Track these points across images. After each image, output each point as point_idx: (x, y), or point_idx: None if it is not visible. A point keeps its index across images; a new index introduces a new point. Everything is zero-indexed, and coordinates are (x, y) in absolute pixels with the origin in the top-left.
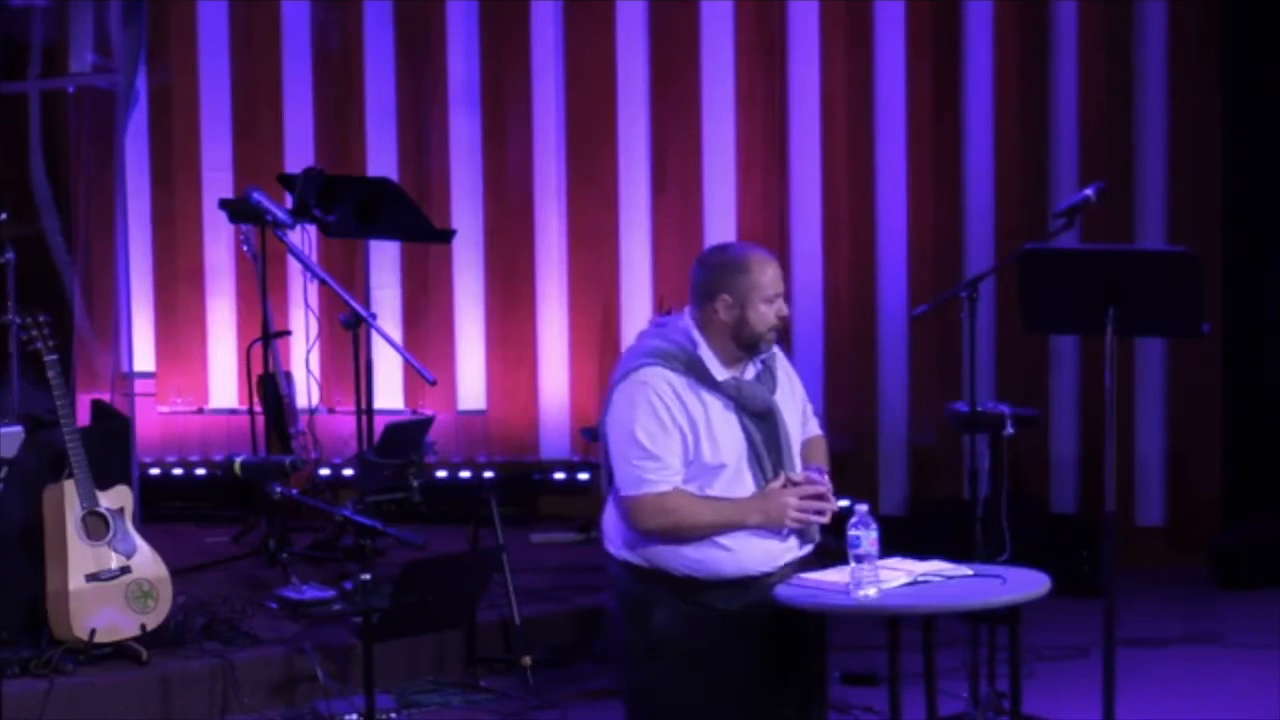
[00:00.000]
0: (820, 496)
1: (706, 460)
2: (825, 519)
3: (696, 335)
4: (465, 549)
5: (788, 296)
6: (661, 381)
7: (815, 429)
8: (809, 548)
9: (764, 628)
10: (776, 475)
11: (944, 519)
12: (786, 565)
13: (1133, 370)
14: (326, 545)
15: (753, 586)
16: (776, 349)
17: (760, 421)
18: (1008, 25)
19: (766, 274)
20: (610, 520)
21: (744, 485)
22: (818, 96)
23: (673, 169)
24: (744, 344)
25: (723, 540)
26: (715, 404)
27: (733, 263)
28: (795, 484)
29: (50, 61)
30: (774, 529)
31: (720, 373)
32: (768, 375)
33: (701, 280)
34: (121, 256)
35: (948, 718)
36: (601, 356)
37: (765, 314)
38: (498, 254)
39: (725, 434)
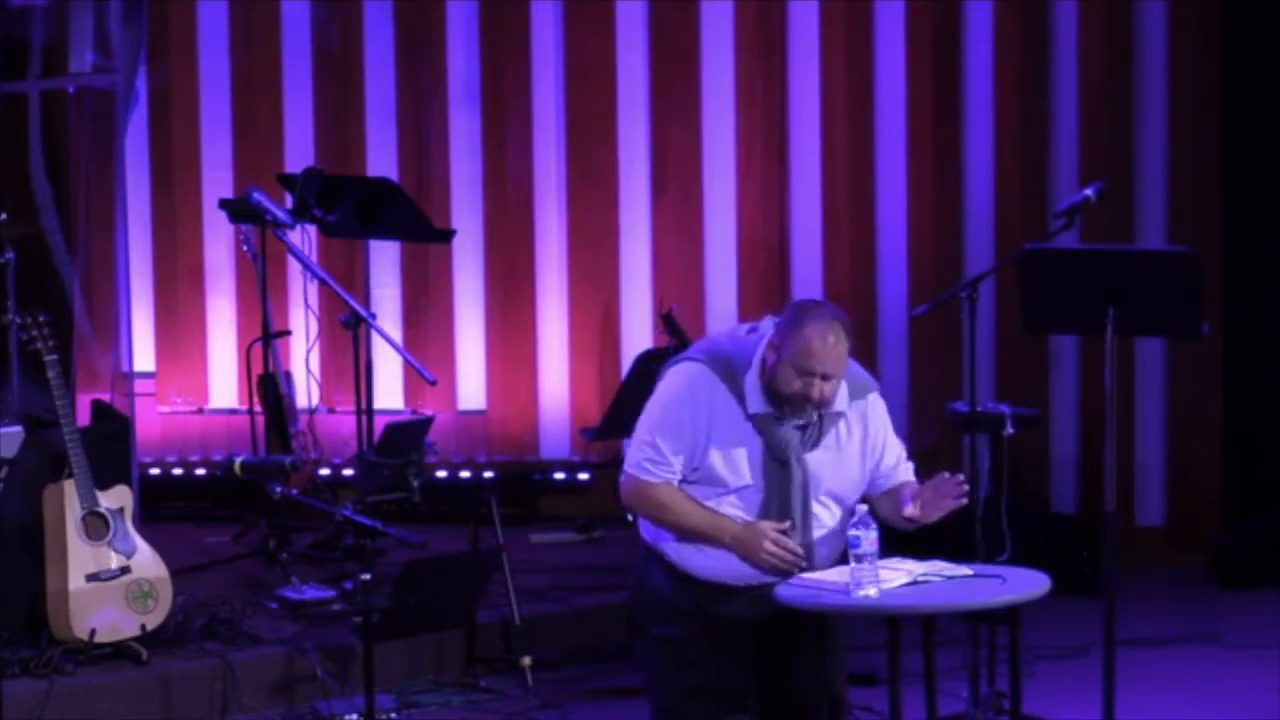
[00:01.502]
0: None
1: (713, 471)
2: (791, 569)
3: (756, 360)
4: (465, 549)
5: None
6: (701, 384)
7: (905, 475)
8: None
9: (754, 629)
10: (781, 516)
11: (944, 519)
12: (766, 585)
13: (1133, 370)
14: (326, 545)
15: (733, 595)
16: (874, 397)
17: (779, 467)
18: (1008, 25)
19: (809, 347)
20: None
21: (744, 512)
22: (818, 96)
23: (673, 169)
24: (770, 394)
25: (703, 546)
26: (745, 427)
27: (794, 319)
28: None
29: (50, 61)
30: (745, 558)
31: (757, 404)
32: (814, 428)
33: (782, 316)
34: (121, 256)
35: (948, 718)
36: (601, 356)
37: (789, 380)
38: (498, 254)
39: (741, 458)
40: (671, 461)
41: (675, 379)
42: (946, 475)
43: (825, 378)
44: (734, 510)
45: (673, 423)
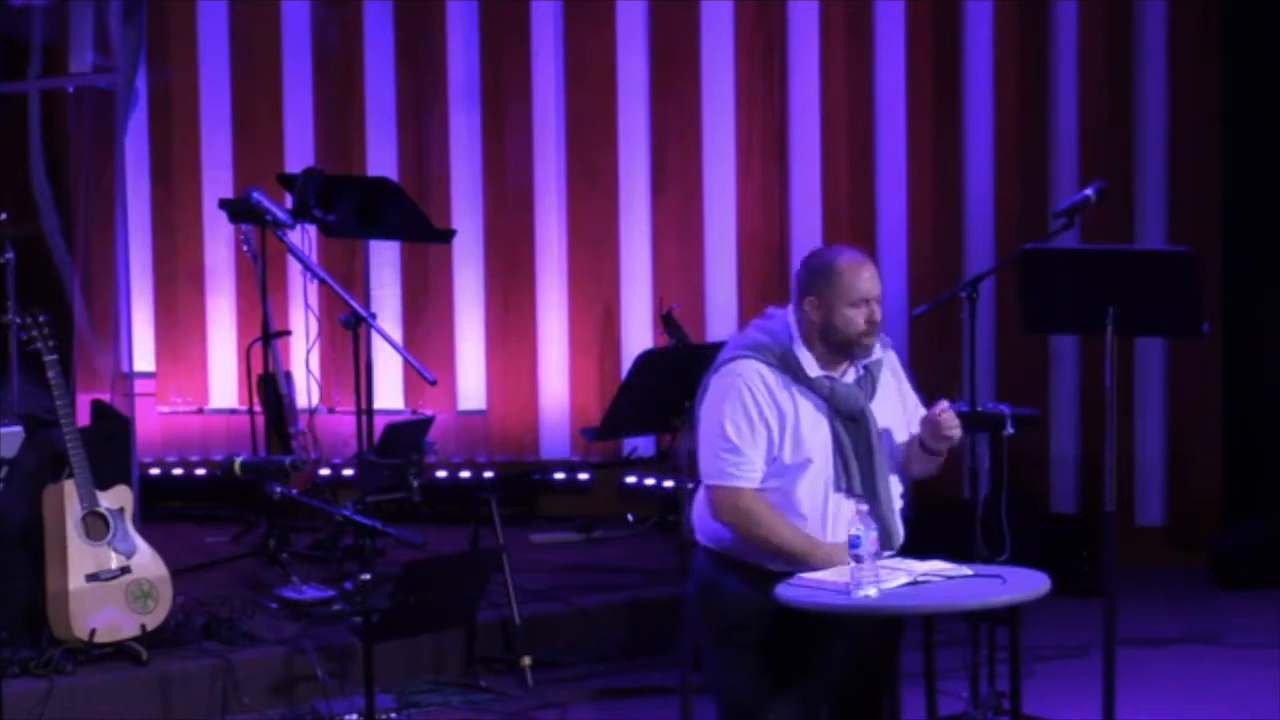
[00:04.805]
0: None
1: (787, 460)
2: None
3: (795, 331)
4: (465, 549)
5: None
6: (754, 375)
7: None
8: (888, 553)
9: (832, 625)
10: (864, 481)
11: (944, 519)
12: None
13: (1133, 370)
14: (326, 545)
15: None
16: (891, 352)
17: (852, 425)
18: (1008, 25)
19: (853, 278)
20: (696, 509)
21: (823, 486)
22: (818, 96)
23: (673, 169)
24: (834, 346)
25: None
26: (806, 403)
27: (821, 265)
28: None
29: (50, 61)
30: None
31: (814, 369)
32: (868, 380)
33: (798, 280)
34: (121, 256)
35: (948, 718)
36: (601, 356)
37: (852, 318)
38: (498, 254)
39: (812, 434)
40: (753, 459)
41: (726, 379)
42: (939, 407)
43: (876, 300)
44: (813, 489)
45: (743, 420)
